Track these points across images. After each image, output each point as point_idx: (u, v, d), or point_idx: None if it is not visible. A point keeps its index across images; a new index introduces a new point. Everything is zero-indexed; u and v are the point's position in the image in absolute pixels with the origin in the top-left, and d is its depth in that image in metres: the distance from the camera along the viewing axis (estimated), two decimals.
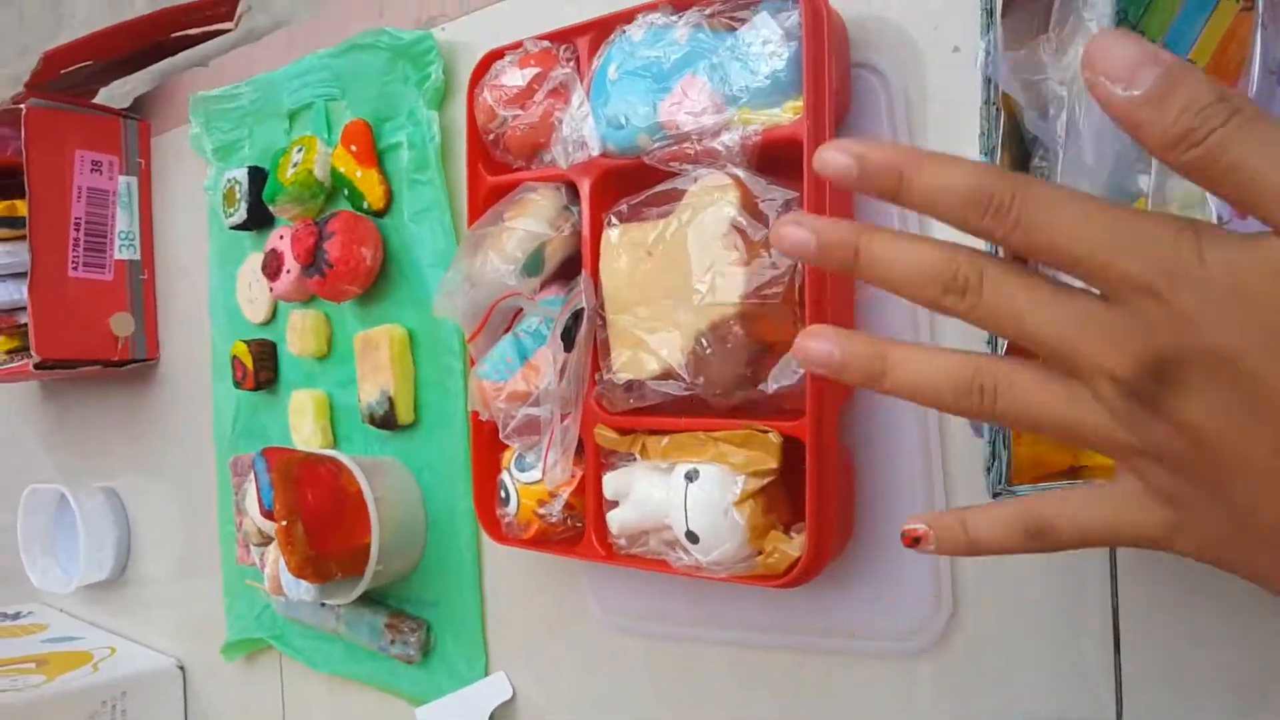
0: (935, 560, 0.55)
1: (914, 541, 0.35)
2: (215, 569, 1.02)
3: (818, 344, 0.34)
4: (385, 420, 0.81)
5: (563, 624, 0.73)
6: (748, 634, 0.63)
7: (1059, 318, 0.30)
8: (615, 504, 0.61)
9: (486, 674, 0.77)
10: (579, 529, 0.65)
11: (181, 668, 1.09)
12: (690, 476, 0.55)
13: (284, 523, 0.72)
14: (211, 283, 0.99)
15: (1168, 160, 0.27)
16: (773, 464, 0.53)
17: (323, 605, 0.86)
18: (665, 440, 0.58)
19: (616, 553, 0.62)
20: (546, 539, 0.66)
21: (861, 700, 0.59)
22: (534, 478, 0.64)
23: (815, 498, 0.52)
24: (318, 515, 0.73)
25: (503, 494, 0.66)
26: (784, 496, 0.56)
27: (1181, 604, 0.48)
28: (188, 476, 1.06)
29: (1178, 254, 0.27)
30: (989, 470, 0.43)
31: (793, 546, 0.54)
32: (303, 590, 0.77)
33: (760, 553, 0.55)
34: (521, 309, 0.64)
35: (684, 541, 0.56)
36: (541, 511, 0.64)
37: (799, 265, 0.51)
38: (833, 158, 0.31)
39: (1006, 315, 0.30)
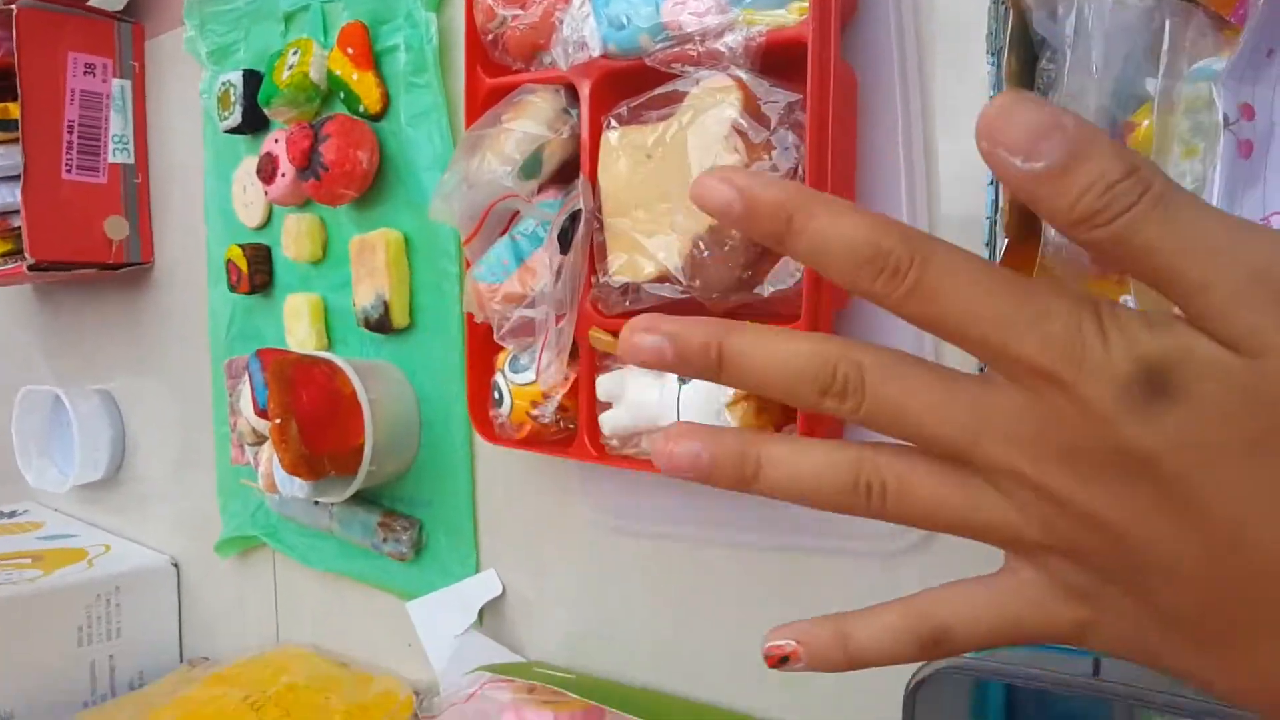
0: None
1: (780, 661, 0.30)
2: (210, 469, 1.03)
3: (682, 446, 0.29)
4: (380, 324, 0.81)
5: (553, 524, 0.74)
6: (737, 533, 0.64)
7: (955, 415, 0.27)
8: (608, 406, 0.62)
9: (477, 572, 0.79)
10: (571, 431, 0.66)
11: (175, 565, 1.11)
12: (682, 378, 0.56)
13: (278, 421, 0.73)
14: (206, 186, 0.99)
15: (1074, 238, 0.25)
16: None
17: (316, 504, 0.87)
18: None
19: (609, 453, 0.63)
20: (539, 440, 0.67)
21: (847, 598, 0.60)
22: (528, 379, 0.65)
23: None
24: (312, 415, 0.74)
25: (496, 395, 0.67)
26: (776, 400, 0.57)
27: None
28: (183, 379, 1.07)
29: (1083, 338, 0.24)
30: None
31: None
32: (296, 488, 0.79)
33: None
34: (518, 212, 0.65)
35: None
36: (535, 413, 0.65)
37: (799, 169, 0.52)
38: (713, 189, 0.27)
39: (895, 416, 0.27)
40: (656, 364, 0.29)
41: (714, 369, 0.28)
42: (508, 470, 0.77)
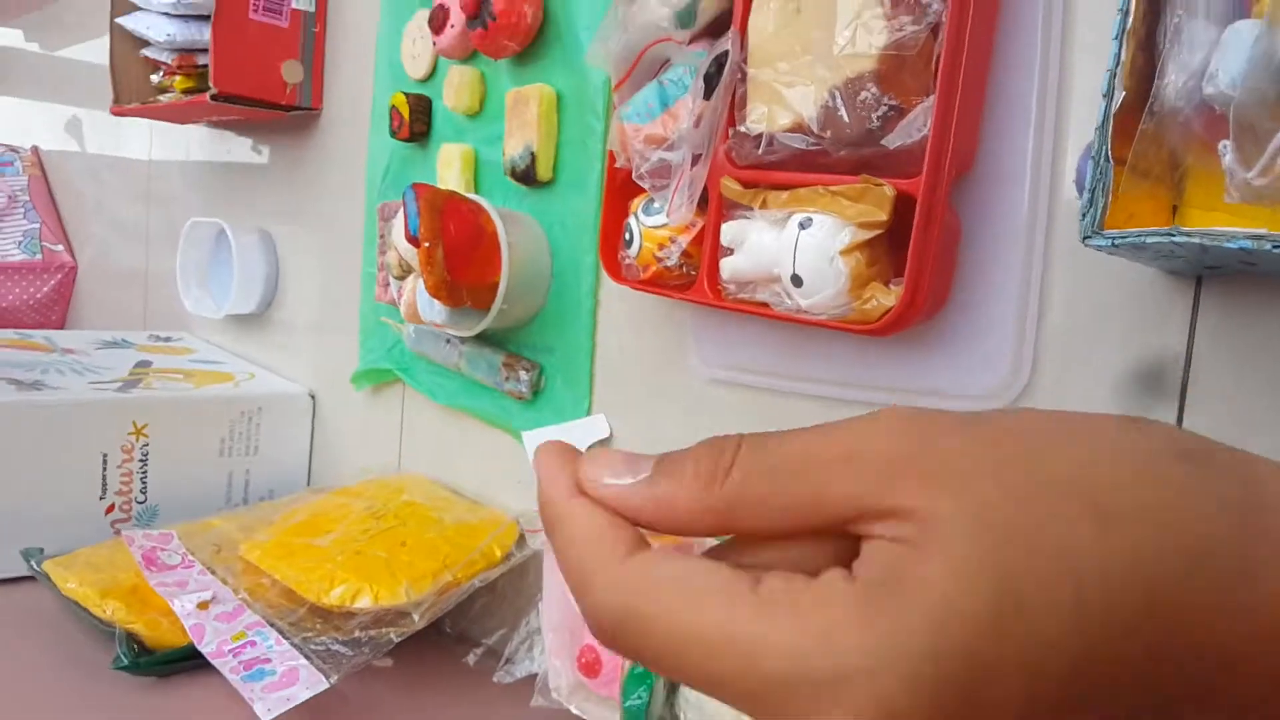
0: (1021, 328, 0.59)
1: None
2: (353, 310, 1.11)
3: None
4: (526, 174, 0.86)
5: (664, 374, 0.79)
6: (838, 389, 0.68)
7: None
8: (730, 252, 0.66)
9: (589, 415, 0.84)
10: (692, 276, 0.70)
11: (312, 396, 1.19)
12: (803, 224, 0.60)
13: (426, 244, 0.79)
14: (379, 38, 1.05)
15: (713, 509, 0.25)
16: (882, 216, 0.57)
17: (447, 342, 0.94)
18: (785, 194, 0.62)
19: (725, 298, 0.67)
20: (662, 282, 0.71)
21: None
22: (659, 221, 0.69)
23: (918, 252, 0.56)
24: (456, 245, 0.80)
25: (627, 236, 0.72)
26: (889, 253, 0.60)
27: (1266, 388, 0.51)
28: (337, 222, 1.14)
29: (850, 689, 0.21)
30: (1084, 215, 0.46)
31: (888, 297, 0.58)
32: (435, 312, 0.85)
33: (858, 301, 0.59)
34: (668, 62, 0.68)
35: (788, 285, 0.61)
36: (660, 254, 0.70)
37: (941, 23, 0.54)
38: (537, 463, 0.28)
39: None
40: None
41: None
42: (626, 322, 0.81)
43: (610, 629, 0.24)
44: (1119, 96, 0.45)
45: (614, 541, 0.25)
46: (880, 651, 0.21)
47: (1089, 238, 0.46)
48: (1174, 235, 0.42)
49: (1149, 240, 0.43)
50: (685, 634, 0.23)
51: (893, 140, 0.56)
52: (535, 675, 0.80)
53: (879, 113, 0.57)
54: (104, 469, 1.04)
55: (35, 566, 0.93)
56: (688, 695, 0.65)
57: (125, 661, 0.82)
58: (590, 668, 0.73)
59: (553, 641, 0.76)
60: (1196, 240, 0.42)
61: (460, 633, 0.95)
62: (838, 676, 0.21)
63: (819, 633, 0.21)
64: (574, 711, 0.75)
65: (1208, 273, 0.52)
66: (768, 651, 0.21)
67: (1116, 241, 0.45)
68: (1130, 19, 0.43)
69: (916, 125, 0.56)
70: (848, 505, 0.23)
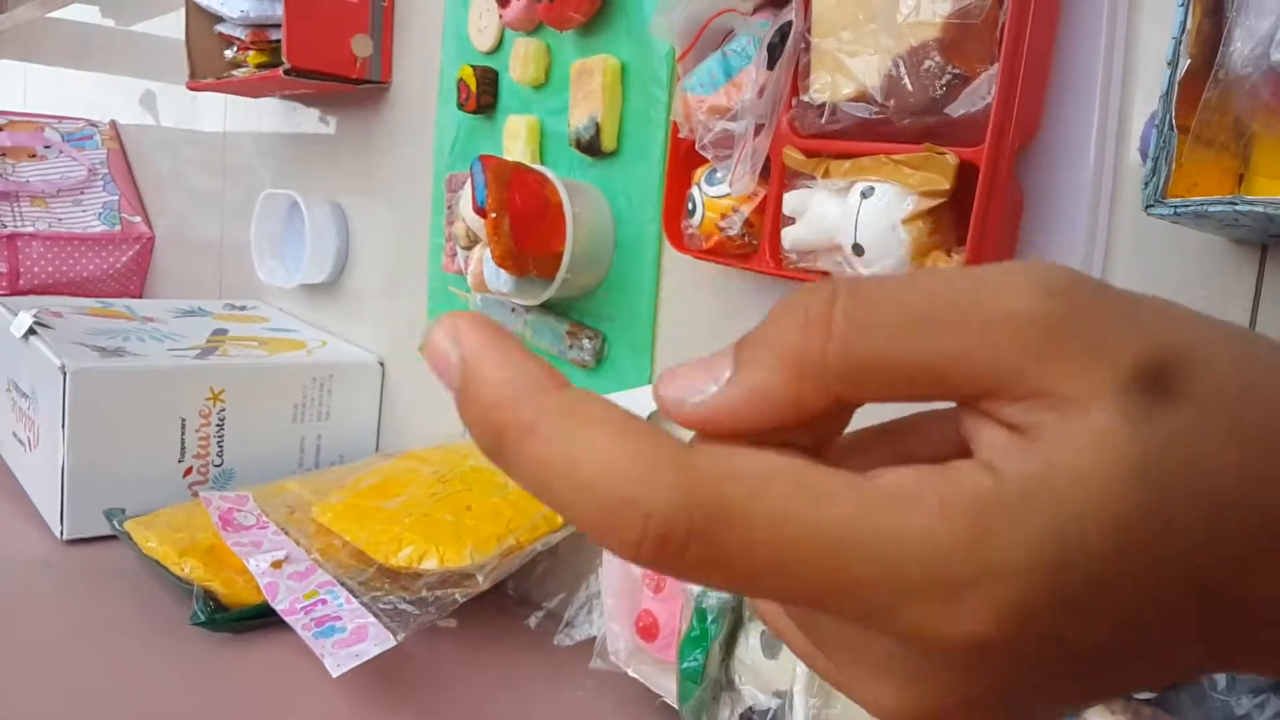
0: None
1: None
2: (421, 280, 1.13)
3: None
4: (590, 145, 0.87)
5: (725, 342, 0.78)
6: None
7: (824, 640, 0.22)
8: (792, 222, 0.66)
9: (650, 383, 0.85)
10: (754, 246, 0.70)
11: (381, 364, 1.22)
12: (865, 193, 0.60)
13: (493, 215, 0.80)
14: (446, 11, 1.07)
15: (822, 388, 0.21)
16: (945, 185, 0.57)
17: (513, 311, 0.95)
18: (847, 164, 0.62)
19: (786, 267, 0.67)
20: (724, 252, 0.72)
21: None
22: (721, 191, 0.70)
23: (980, 220, 0.56)
24: (522, 215, 0.81)
25: (690, 206, 0.72)
26: (951, 223, 0.60)
27: None
28: (406, 194, 1.16)
29: (984, 591, 0.19)
30: (1146, 184, 0.46)
31: (950, 266, 0.58)
32: (501, 281, 0.87)
33: None
34: (733, 30, 0.69)
35: (850, 254, 0.61)
36: (723, 224, 0.70)
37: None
38: (435, 349, 0.21)
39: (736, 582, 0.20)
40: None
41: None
42: (687, 293, 0.82)
43: (682, 536, 0.19)
44: (1184, 64, 0.44)
45: (654, 435, 0.19)
46: (1030, 550, 0.19)
47: (1151, 206, 0.46)
48: (1237, 204, 0.42)
49: (1212, 209, 0.43)
50: (798, 534, 0.19)
51: (956, 109, 0.56)
52: (594, 638, 0.82)
53: (942, 81, 0.57)
54: (182, 433, 1.08)
55: (117, 526, 0.97)
56: (742, 658, 0.66)
57: (202, 618, 0.85)
58: (648, 631, 0.75)
59: (611, 606, 0.78)
60: (1261, 209, 0.41)
61: (522, 595, 0.97)
62: (976, 579, 0.19)
63: (960, 531, 0.19)
64: (631, 674, 0.77)
65: (1274, 241, 0.51)
66: (900, 549, 0.19)
67: (1179, 210, 0.45)
68: None
69: (980, 93, 0.56)
70: (987, 378, 0.20)
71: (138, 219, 1.86)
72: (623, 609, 0.77)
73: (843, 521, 0.19)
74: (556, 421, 0.19)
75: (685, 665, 0.68)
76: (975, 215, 0.56)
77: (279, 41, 1.12)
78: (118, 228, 1.83)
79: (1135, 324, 0.20)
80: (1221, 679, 0.46)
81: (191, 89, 1.32)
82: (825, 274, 0.64)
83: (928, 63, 0.56)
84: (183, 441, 1.08)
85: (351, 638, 0.77)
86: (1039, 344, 0.19)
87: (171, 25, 1.74)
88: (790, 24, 0.63)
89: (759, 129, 0.66)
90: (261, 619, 0.85)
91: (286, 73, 1.10)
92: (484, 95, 1.00)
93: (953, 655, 0.20)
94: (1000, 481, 0.19)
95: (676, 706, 0.70)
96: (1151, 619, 0.20)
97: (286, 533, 0.90)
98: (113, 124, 1.99)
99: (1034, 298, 0.19)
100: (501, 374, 0.20)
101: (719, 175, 0.70)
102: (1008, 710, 0.22)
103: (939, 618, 0.19)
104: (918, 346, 0.20)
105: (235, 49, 1.26)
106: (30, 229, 1.75)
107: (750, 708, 0.67)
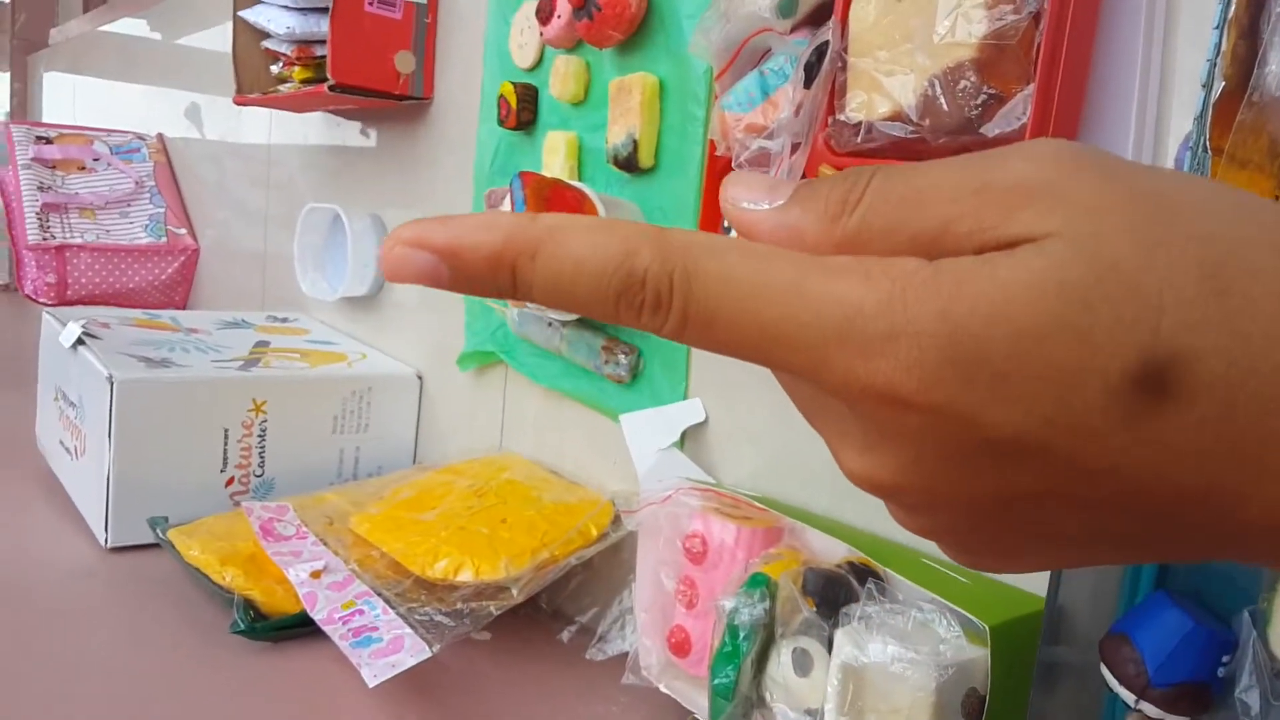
0: None
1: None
2: (459, 295, 1.14)
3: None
4: (628, 162, 0.88)
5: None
6: None
7: (805, 337, 0.22)
8: None
9: (685, 399, 0.86)
10: None
11: (419, 377, 1.23)
12: None
13: None
14: (488, 29, 1.08)
15: (838, 242, 0.24)
16: None
17: (549, 325, 0.96)
18: None
19: None
20: None
21: None
22: None
23: None
24: None
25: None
26: None
27: None
28: (446, 208, 1.18)
29: (896, 346, 0.21)
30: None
31: None
32: None
33: None
34: (770, 49, 0.69)
35: None
36: None
37: (1043, 11, 0.54)
38: (406, 260, 0.23)
39: (721, 339, 0.23)
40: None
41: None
42: None
43: (668, 293, 0.22)
44: (1219, 86, 0.44)
45: (629, 224, 0.23)
46: (932, 320, 0.21)
47: None
48: None
49: None
50: (747, 291, 0.22)
51: (991, 128, 0.56)
52: (626, 653, 0.82)
53: (978, 101, 0.57)
54: (225, 443, 1.10)
55: (160, 534, 0.98)
56: (774, 676, 0.66)
57: (242, 626, 0.86)
58: (680, 647, 0.75)
59: (644, 621, 0.78)
60: None
61: (556, 609, 0.98)
62: (891, 333, 0.21)
63: (883, 293, 0.21)
64: (663, 690, 0.77)
65: None
66: (829, 304, 0.21)
67: None
68: (1232, 7, 0.43)
69: (1016, 113, 0.56)
70: (970, 240, 0.22)
71: (183, 231, 1.90)
72: (655, 624, 0.77)
73: (786, 282, 0.22)
74: (551, 240, 0.23)
75: (717, 681, 0.68)
76: None
77: (324, 57, 1.14)
78: (163, 240, 1.87)
79: (1115, 177, 0.22)
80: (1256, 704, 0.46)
81: (238, 104, 1.34)
82: None
83: (963, 82, 0.56)
84: (225, 452, 1.10)
85: (388, 648, 0.77)
86: (1013, 203, 0.22)
87: (217, 39, 1.77)
88: (827, 44, 0.63)
89: (795, 147, 0.66)
90: (300, 628, 0.86)
91: (331, 89, 1.12)
92: (524, 111, 1.01)
93: (882, 414, 0.22)
94: (936, 271, 0.21)
95: None
96: (1064, 425, 0.21)
97: (325, 543, 0.91)
98: (160, 137, 2.03)
99: (1024, 164, 0.22)
100: (489, 234, 0.23)
101: None
102: (976, 529, 0.24)
103: (858, 367, 0.21)
104: (919, 219, 0.23)
105: (281, 64, 1.29)
106: (79, 240, 1.79)
107: None
